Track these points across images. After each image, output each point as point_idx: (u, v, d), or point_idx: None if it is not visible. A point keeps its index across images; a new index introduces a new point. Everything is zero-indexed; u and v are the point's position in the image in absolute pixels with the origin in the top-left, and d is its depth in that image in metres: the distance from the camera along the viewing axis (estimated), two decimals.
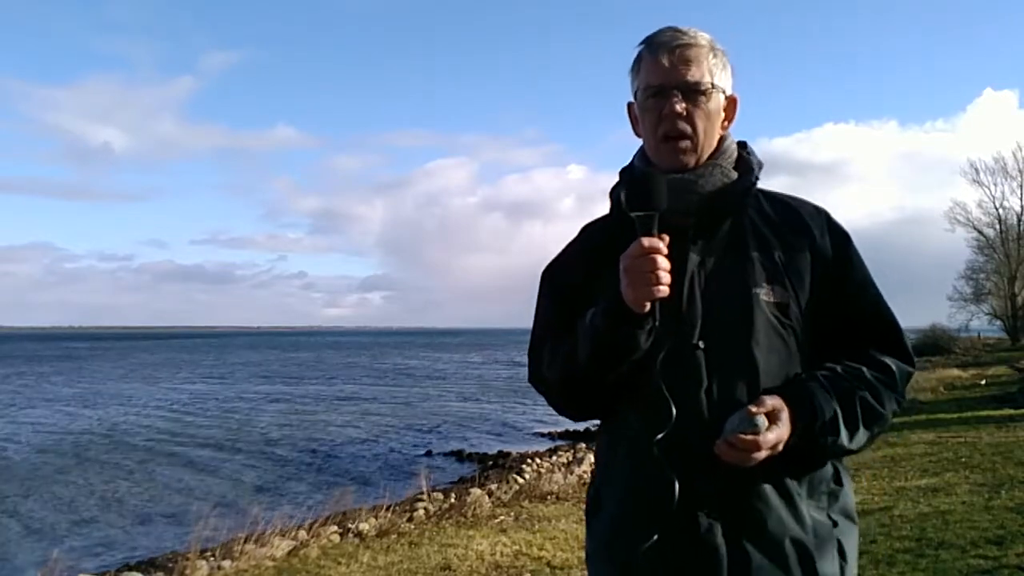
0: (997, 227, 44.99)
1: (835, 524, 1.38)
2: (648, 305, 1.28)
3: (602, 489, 1.49)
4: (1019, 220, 44.33)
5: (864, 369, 1.38)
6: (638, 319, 1.30)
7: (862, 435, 1.36)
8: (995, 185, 44.68)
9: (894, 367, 1.41)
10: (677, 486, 1.30)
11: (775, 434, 1.27)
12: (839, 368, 1.38)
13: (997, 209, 44.77)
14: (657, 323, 1.31)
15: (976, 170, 44.76)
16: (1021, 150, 43.56)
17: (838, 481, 1.42)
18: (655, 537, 1.32)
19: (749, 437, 1.25)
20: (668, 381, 1.32)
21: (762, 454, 1.26)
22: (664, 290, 1.27)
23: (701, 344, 1.35)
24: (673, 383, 1.32)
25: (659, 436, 1.30)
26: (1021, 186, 44.06)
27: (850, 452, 1.37)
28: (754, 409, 1.27)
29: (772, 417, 1.28)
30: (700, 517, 1.31)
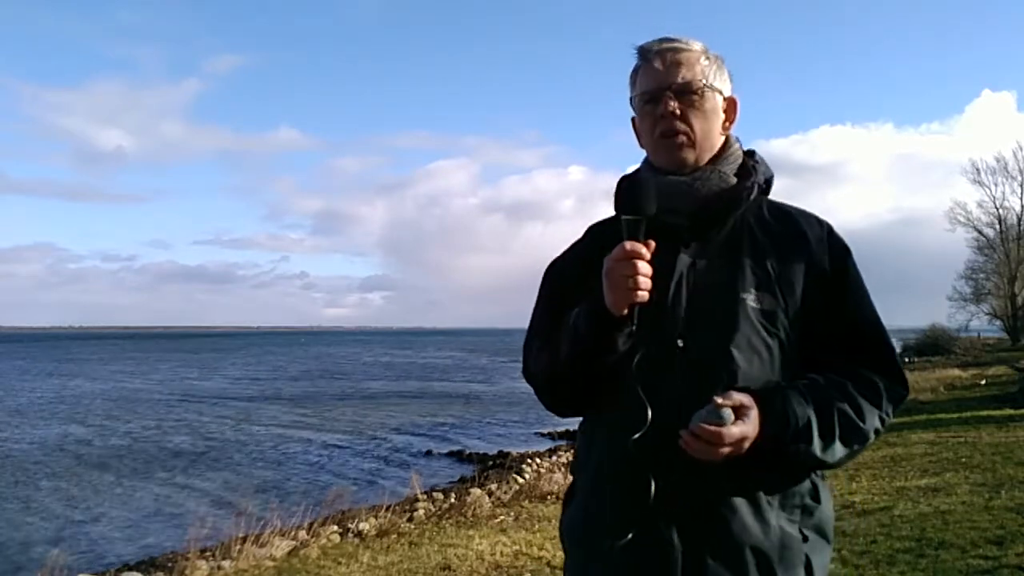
0: (997, 227, 45.05)
1: (805, 539, 1.35)
2: (627, 309, 1.29)
3: (577, 480, 1.51)
4: (1019, 220, 44.36)
5: (848, 383, 1.36)
6: (616, 322, 1.31)
7: (838, 448, 1.33)
8: (995, 185, 44.74)
9: (882, 385, 1.38)
10: (653, 485, 1.30)
11: (740, 429, 1.24)
12: (821, 379, 1.36)
13: (997, 209, 44.85)
14: (635, 327, 1.31)
15: (977, 170, 44.85)
16: (1022, 150, 43.65)
17: (815, 497, 1.39)
18: (630, 536, 1.32)
19: (712, 428, 1.23)
20: (644, 380, 1.31)
21: (725, 448, 1.24)
22: (643, 295, 1.28)
23: (680, 343, 1.35)
24: (649, 382, 1.32)
25: (636, 436, 1.30)
26: (1022, 186, 44.13)
27: (824, 465, 1.34)
28: (720, 401, 1.25)
29: (739, 413, 1.26)
30: (659, 518, 1.31)
